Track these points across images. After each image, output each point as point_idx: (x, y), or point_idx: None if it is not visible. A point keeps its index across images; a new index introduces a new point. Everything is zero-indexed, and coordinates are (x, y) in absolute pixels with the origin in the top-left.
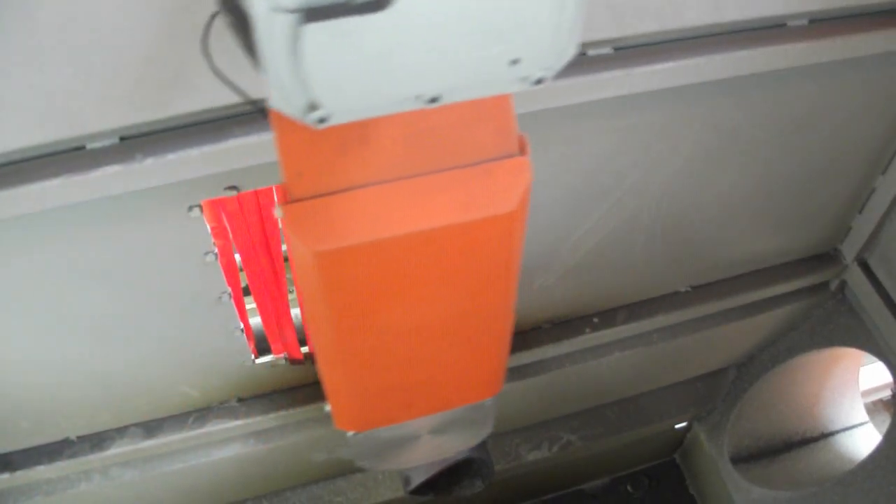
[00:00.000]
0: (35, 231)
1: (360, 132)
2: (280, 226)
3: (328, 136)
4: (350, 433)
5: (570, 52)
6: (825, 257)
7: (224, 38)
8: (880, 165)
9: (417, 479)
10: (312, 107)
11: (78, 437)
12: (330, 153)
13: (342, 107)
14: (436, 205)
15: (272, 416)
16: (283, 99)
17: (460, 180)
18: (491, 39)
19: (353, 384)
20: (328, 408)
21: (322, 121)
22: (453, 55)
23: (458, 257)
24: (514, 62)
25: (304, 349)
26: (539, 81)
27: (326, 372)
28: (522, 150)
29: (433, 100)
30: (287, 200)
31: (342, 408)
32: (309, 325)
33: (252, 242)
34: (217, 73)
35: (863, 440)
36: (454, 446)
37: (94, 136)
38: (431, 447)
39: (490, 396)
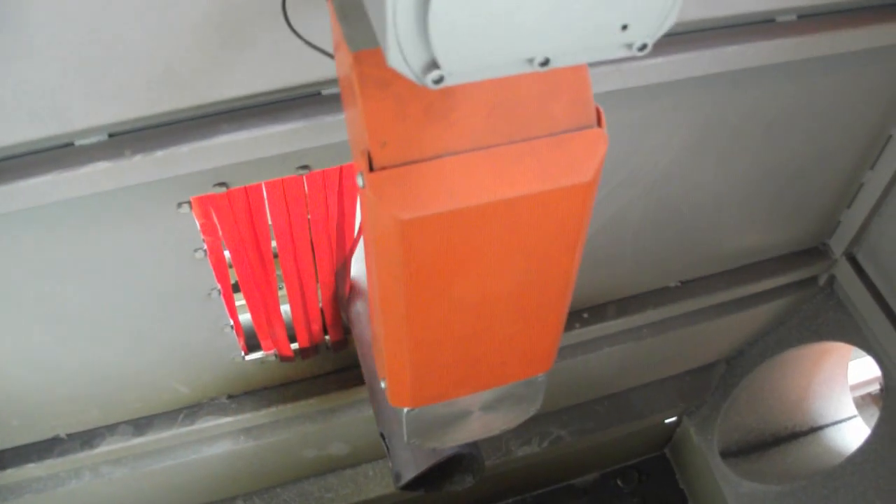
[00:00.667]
0: (22, 228)
1: (443, 102)
2: (359, 197)
3: (412, 106)
4: (405, 410)
5: (672, 19)
6: (814, 252)
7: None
8: (869, 160)
9: (408, 475)
10: (432, 66)
11: (68, 435)
12: (414, 123)
13: (460, 67)
14: (516, 174)
15: (262, 412)
16: (402, 58)
17: (539, 150)
18: (608, 3)
19: (416, 359)
20: (383, 384)
21: (438, 81)
22: (570, 18)
23: (532, 228)
24: (624, 27)
25: (294, 345)
26: (643, 48)
27: (390, 347)
28: (599, 122)
29: (544, 63)
30: (370, 170)
31: (401, 384)
32: (377, 301)
33: (242, 239)
34: (309, 43)
35: (851, 434)
36: (503, 423)
37: (83, 133)
38: (481, 424)
39: (543, 372)
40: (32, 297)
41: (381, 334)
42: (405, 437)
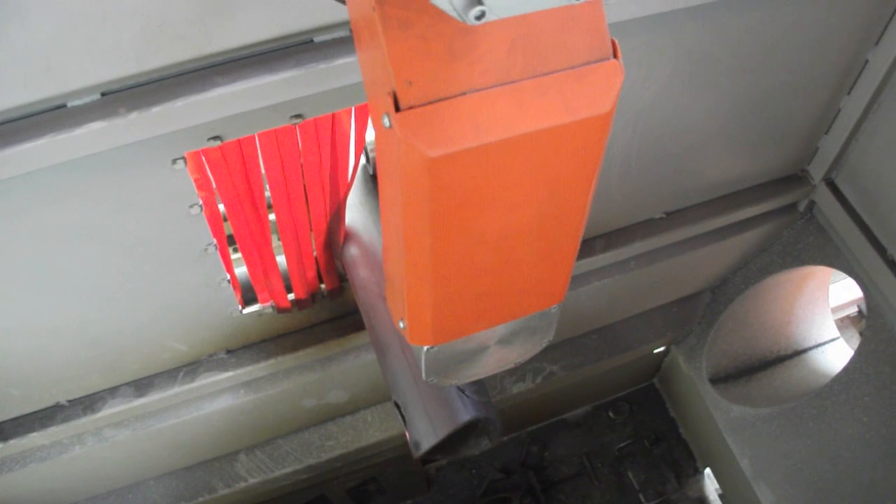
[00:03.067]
0: (15, 192)
1: (464, 40)
2: (380, 137)
3: (436, 45)
4: (425, 348)
5: None
6: (793, 179)
7: None
8: (846, 86)
9: (427, 443)
10: (475, 2)
11: (69, 401)
12: (438, 61)
13: (501, 2)
14: (538, 108)
15: (262, 365)
16: None
17: (560, 83)
18: None
19: (439, 295)
20: (403, 324)
21: (480, 17)
22: None
23: (553, 159)
24: None
25: (291, 296)
26: None
27: (412, 285)
28: (615, 54)
29: None
30: (396, 110)
31: (423, 322)
32: (399, 240)
33: (236, 192)
34: None
35: (835, 355)
36: (517, 356)
37: (75, 94)
38: (497, 358)
39: (557, 303)
40: (27, 263)
41: (401, 274)
42: (423, 375)
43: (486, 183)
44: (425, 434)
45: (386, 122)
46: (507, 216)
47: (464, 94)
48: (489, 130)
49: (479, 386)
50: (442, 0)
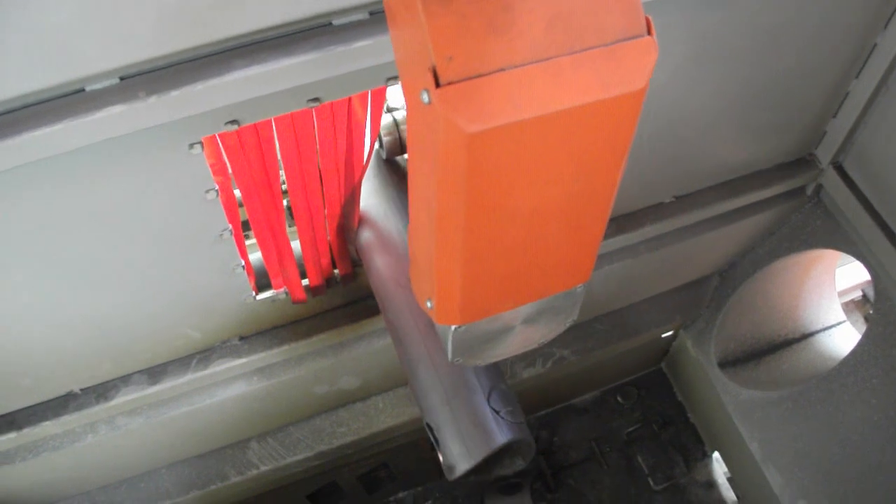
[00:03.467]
0: (31, 177)
1: (503, 17)
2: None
3: (475, 21)
4: (453, 328)
5: None
6: (801, 162)
7: None
8: (854, 70)
9: (462, 467)
10: None
11: (82, 390)
12: (477, 37)
13: None
14: (575, 84)
15: (275, 351)
16: None
17: (595, 60)
18: None
19: (469, 273)
20: (430, 304)
21: None
22: None
23: (587, 136)
24: None
25: (305, 282)
26: None
27: (442, 264)
28: (649, 31)
29: None
30: (437, 86)
31: (452, 301)
32: (431, 218)
33: (252, 176)
34: None
35: (842, 338)
36: (541, 336)
37: (94, 78)
38: (522, 338)
39: (582, 283)
40: (41, 250)
41: (430, 253)
42: (450, 356)
43: (521, 159)
44: (460, 457)
45: (425, 97)
46: (539, 193)
47: (502, 70)
48: (526, 106)
49: (514, 407)
50: None
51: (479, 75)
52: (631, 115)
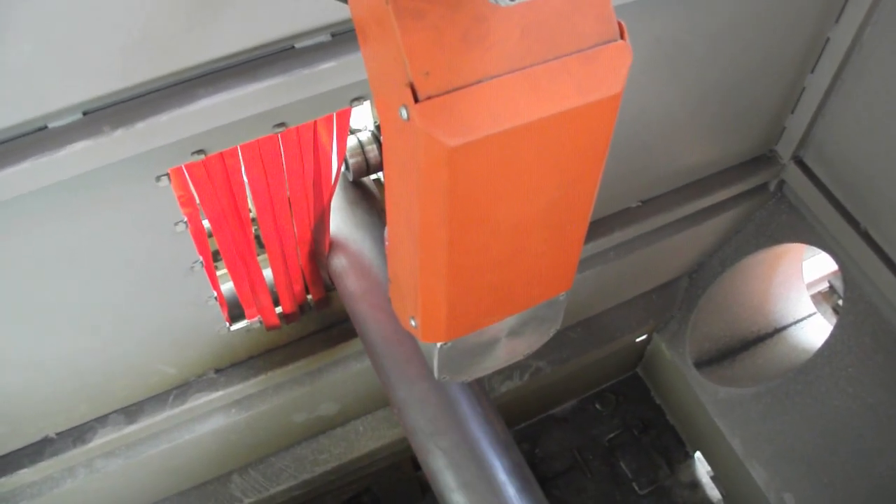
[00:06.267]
0: None
1: (478, 28)
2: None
3: (450, 34)
4: (438, 345)
5: None
6: (763, 159)
7: None
8: (809, 64)
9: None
10: None
11: (58, 434)
12: (453, 51)
13: None
14: (553, 92)
15: (251, 382)
16: None
17: (571, 67)
18: None
19: (453, 289)
20: (414, 323)
21: None
22: None
23: (566, 143)
24: None
25: (279, 309)
26: None
27: (426, 281)
28: (622, 35)
29: None
30: (415, 101)
31: (436, 318)
32: (414, 235)
33: (221, 206)
34: None
35: (813, 330)
36: (526, 347)
37: (56, 114)
38: (507, 350)
39: (565, 291)
40: (8, 291)
41: (413, 271)
42: (436, 373)
43: (502, 170)
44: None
45: (404, 114)
46: (521, 204)
47: (479, 81)
48: (506, 117)
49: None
50: None
51: (457, 88)
52: (608, 119)
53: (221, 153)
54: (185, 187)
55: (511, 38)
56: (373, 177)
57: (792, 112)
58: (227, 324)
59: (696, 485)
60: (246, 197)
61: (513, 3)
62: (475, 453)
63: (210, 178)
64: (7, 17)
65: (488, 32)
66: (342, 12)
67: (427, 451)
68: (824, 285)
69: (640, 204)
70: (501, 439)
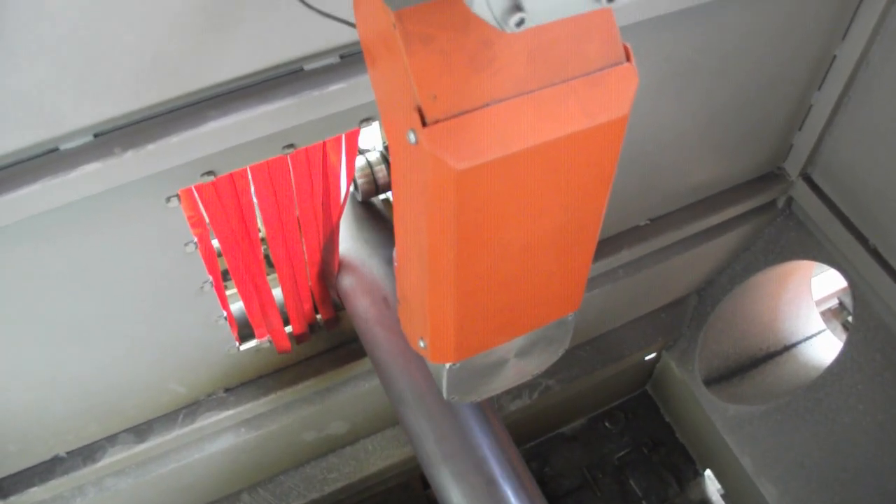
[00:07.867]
0: (7, 238)
1: (485, 53)
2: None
3: (457, 59)
4: (447, 366)
5: None
6: (771, 177)
7: None
8: (816, 82)
9: None
10: (514, 9)
11: (68, 453)
12: (460, 75)
13: (539, 8)
14: (560, 115)
15: (261, 401)
16: (486, 4)
17: (578, 90)
18: None
19: (462, 310)
20: (423, 343)
21: (519, 24)
22: None
23: (574, 165)
24: None
25: (288, 329)
26: None
27: (434, 302)
28: (628, 58)
29: None
30: (423, 125)
31: (445, 339)
32: (422, 257)
33: (230, 227)
34: (326, 14)
35: (823, 347)
36: (534, 367)
37: (68, 136)
38: (515, 371)
39: (573, 311)
40: (21, 311)
41: (422, 292)
42: (445, 394)
43: (510, 193)
44: None
45: (412, 137)
46: (529, 226)
47: (486, 105)
48: (514, 140)
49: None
50: (482, 10)
51: (465, 112)
52: (615, 141)
53: (231, 174)
54: (195, 208)
55: (518, 62)
56: (381, 197)
57: (799, 129)
58: (237, 343)
59: (706, 503)
60: (255, 217)
61: (519, 28)
62: (484, 472)
63: (220, 198)
64: (20, 41)
65: (495, 56)
66: (350, 35)
67: (436, 470)
68: (834, 302)
69: (648, 222)
70: (511, 458)
